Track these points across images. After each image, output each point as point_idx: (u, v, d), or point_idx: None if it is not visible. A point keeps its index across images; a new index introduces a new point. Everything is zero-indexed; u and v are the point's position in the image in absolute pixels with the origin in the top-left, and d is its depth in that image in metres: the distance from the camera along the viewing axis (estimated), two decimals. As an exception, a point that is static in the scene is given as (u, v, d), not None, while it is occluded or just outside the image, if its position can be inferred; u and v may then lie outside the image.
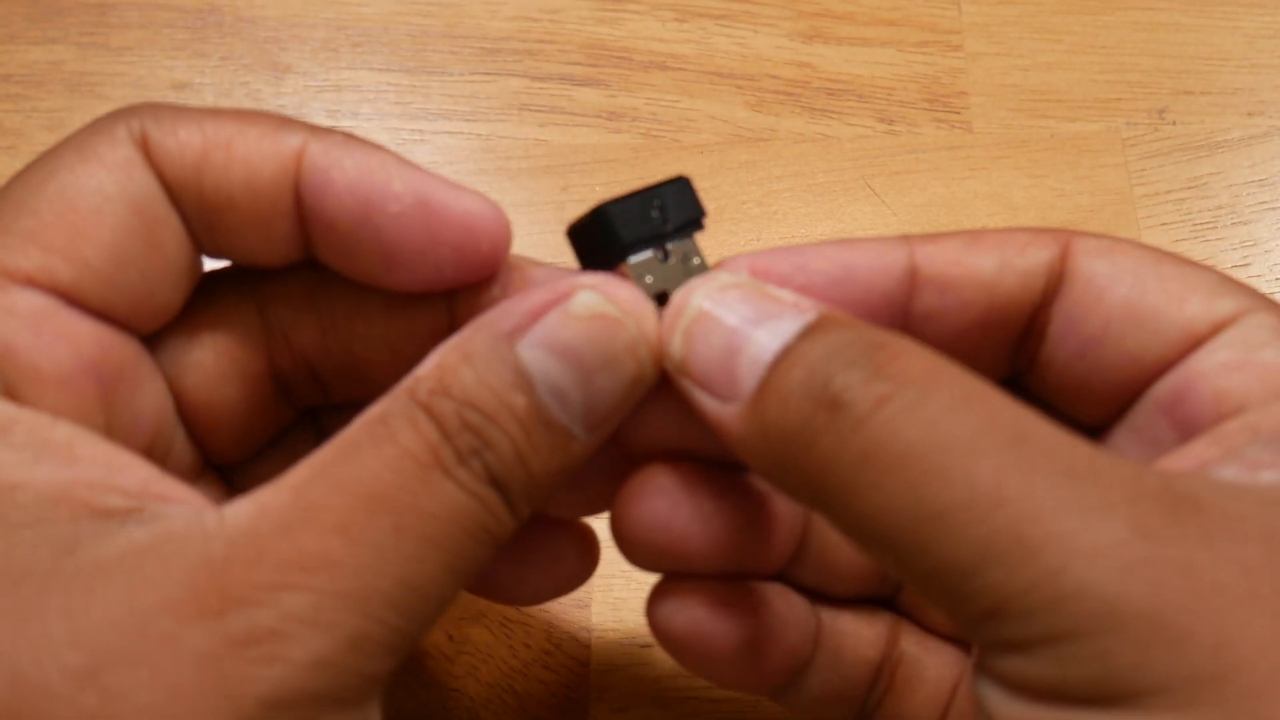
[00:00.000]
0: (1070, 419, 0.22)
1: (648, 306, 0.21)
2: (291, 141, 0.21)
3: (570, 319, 0.20)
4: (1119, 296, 0.21)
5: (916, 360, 0.17)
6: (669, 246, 0.21)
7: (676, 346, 0.20)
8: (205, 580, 0.17)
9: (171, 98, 0.38)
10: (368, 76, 0.39)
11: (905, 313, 0.22)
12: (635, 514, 0.22)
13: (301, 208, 0.21)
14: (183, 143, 0.20)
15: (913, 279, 0.22)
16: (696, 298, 0.20)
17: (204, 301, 0.23)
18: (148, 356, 0.22)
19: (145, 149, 0.20)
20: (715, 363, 0.20)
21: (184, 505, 0.18)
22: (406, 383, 0.19)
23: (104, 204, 0.20)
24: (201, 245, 0.22)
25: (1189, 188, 0.37)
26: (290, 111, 0.38)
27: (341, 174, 0.21)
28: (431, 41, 0.39)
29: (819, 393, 0.17)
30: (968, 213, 0.37)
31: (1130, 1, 0.40)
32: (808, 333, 0.19)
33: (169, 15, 0.39)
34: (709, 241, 0.36)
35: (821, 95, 0.38)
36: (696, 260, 0.22)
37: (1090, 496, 0.16)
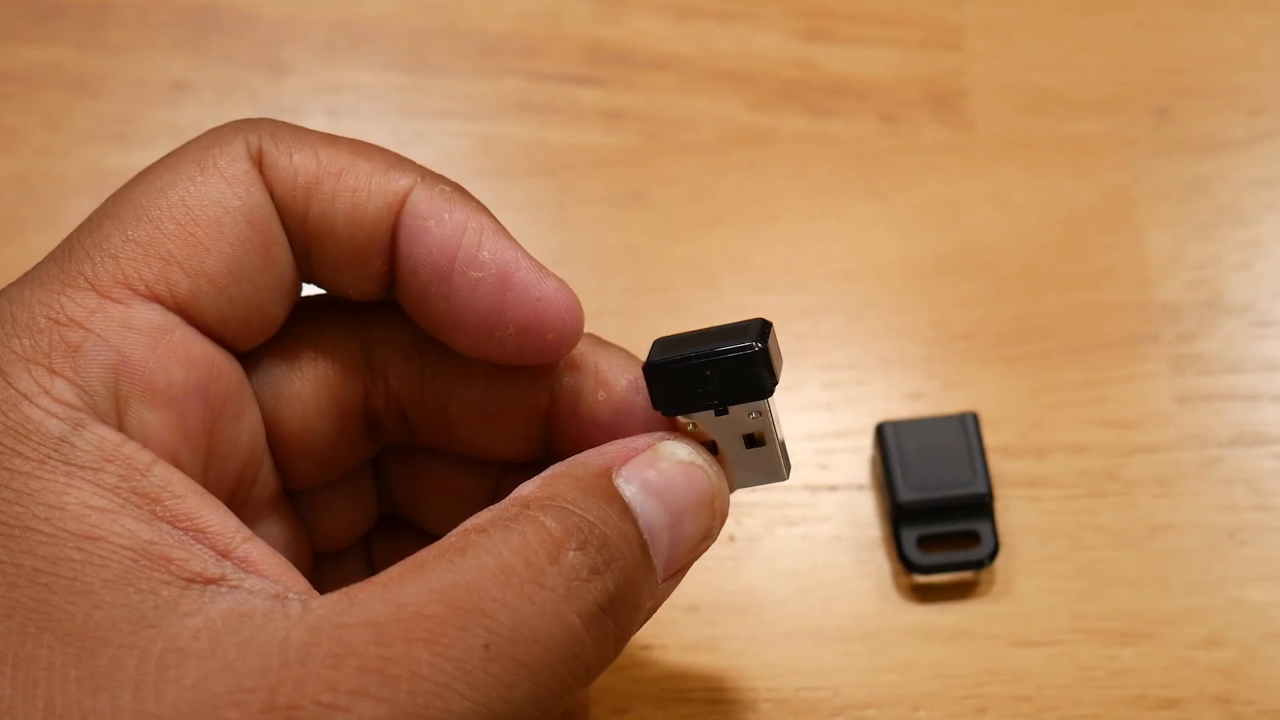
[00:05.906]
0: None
1: (718, 467, 0.21)
2: (401, 182, 0.21)
3: (662, 462, 0.20)
4: None
5: None
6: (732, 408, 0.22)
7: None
8: (279, 670, 0.16)
9: (170, 98, 0.38)
10: (367, 76, 0.38)
11: None
12: None
13: (393, 249, 0.21)
14: (297, 166, 0.20)
15: None
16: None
17: (309, 333, 0.22)
18: (248, 382, 0.21)
19: (259, 165, 0.20)
20: None
21: (266, 579, 0.18)
22: (514, 496, 0.19)
23: (224, 217, 0.20)
24: (298, 268, 0.22)
25: (1191, 187, 0.37)
26: (290, 111, 0.38)
27: (438, 226, 0.21)
28: (431, 41, 0.39)
29: None
30: (968, 213, 0.37)
31: (1132, 1, 0.40)
32: None
33: (167, 15, 0.39)
34: (714, 238, 0.36)
35: (822, 95, 0.38)
36: (763, 415, 0.22)
37: None
